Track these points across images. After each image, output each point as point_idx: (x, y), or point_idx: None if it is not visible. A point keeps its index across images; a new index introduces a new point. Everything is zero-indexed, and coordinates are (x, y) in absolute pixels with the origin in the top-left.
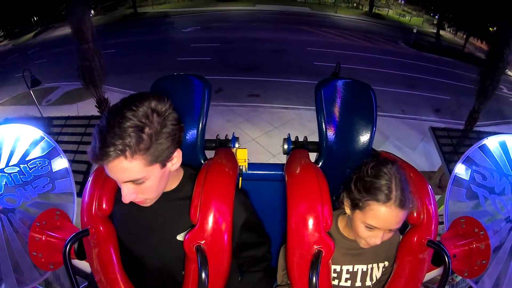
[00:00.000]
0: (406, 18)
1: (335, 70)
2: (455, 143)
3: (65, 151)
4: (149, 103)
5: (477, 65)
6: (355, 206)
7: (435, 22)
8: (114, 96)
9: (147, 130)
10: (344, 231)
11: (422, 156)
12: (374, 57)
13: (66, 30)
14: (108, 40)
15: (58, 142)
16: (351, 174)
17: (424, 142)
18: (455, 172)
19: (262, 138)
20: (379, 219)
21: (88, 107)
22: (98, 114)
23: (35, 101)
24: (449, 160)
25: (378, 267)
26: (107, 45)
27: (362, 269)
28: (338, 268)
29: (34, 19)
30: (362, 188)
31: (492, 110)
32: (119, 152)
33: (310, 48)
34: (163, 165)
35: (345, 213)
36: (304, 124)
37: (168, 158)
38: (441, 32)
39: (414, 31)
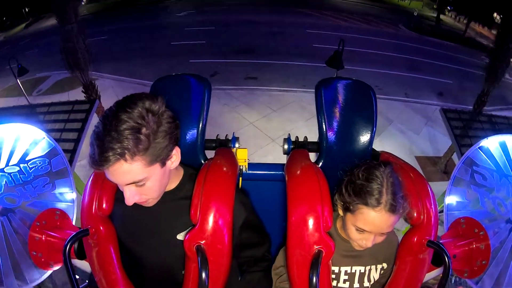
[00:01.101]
0: (406, 1)
1: (338, 48)
2: (466, 126)
3: None
4: (143, 103)
5: (479, 50)
6: (346, 209)
7: (434, 6)
8: (106, 83)
9: (144, 130)
10: (342, 232)
11: (427, 140)
12: (374, 39)
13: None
14: (100, 27)
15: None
16: (343, 176)
17: (428, 127)
18: (455, 173)
19: (260, 121)
20: (369, 223)
21: (79, 96)
22: (84, 99)
23: (23, 91)
24: (462, 144)
25: (376, 269)
26: (99, 32)
27: (360, 270)
28: (336, 269)
29: (25, 10)
30: (352, 191)
31: (495, 96)
32: (118, 156)
33: (309, 31)
34: (163, 164)
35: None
36: (304, 107)
37: (167, 156)
38: (442, 16)
39: (415, 13)
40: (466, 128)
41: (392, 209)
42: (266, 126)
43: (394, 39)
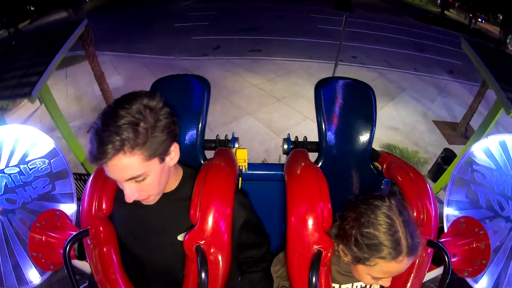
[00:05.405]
0: None
1: None
2: (492, 56)
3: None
4: (141, 100)
5: (486, 41)
6: (358, 261)
7: (438, 2)
8: (104, 58)
9: (142, 124)
10: (344, 256)
11: (442, 108)
12: (381, 24)
13: (61, 14)
14: (104, 17)
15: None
16: (343, 223)
17: (442, 97)
18: (455, 173)
19: (264, 84)
20: (388, 272)
21: (77, 70)
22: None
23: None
24: (493, 70)
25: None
26: (102, 20)
27: (361, 285)
28: (337, 286)
29: (30, 8)
30: (364, 245)
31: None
32: (117, 148)
33: (314, 15)
34: (162, 160)
35: None
36: (311, 74)
37: (166, 152)
38: (446, 12)
39: (420, 1)
40: (493, 58)
41: (412, 251)
42: (271, 88)
43: (400, 25)
